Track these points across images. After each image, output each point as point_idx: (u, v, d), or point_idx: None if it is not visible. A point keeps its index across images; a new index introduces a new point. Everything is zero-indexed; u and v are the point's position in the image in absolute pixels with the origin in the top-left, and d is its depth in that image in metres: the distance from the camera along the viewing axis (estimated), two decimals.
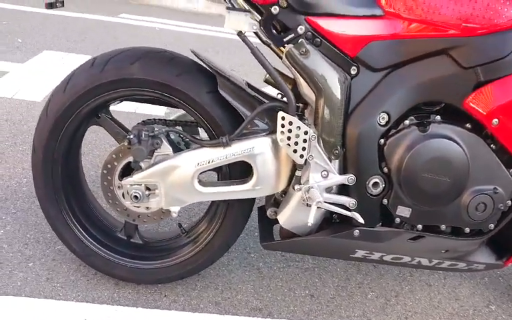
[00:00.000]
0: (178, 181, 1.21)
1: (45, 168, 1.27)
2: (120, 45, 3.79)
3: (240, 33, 1.11)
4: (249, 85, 1.28)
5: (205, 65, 1.23)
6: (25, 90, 2.62)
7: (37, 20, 4.17)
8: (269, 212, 1.34)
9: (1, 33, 3.63)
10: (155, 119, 1.32)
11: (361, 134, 1.16)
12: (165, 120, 1.33)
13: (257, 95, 1.23)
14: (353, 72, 1.15)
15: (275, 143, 1.20)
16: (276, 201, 1.32)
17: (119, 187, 1.29)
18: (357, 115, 1.16)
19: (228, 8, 1.09)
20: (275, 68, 1.17)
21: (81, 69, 1.22)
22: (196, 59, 1.28)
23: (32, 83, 2.73)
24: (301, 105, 1.26)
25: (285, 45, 1.12)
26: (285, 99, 1.27)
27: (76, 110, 1.22)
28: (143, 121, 1.32)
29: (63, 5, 1.25)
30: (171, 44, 4.08)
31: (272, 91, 1.32)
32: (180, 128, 1.34)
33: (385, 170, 1.18)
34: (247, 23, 1.09)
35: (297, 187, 1.20)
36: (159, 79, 1.19)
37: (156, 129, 1.24)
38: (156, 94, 1.22)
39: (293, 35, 1.10)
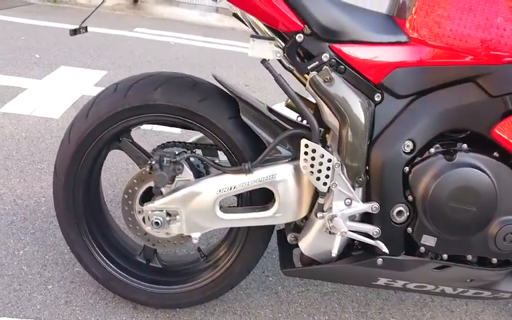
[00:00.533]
0: (199, 207, 1.21)
1: (66, 192, 1.27)
2: (136, 59, 3.82)
3: (263, 61, 1.10)
4: (270, 110, 1.28)
5: (226, 90, 1.22)
6: (42, 107, 2.65)
7: (53, 35, 4.23)
8: (289, 237, 1.32)
9: (19, 48, 3.69)
10: (174, 142, 1.32)
11: (386, 161, 1.14)
12: (185, 143, 1.33)
13: (278, 120, 1.22)
14: (377, 99, 1.14)
15: (297, 170, 1.18)
16: (296, 226, 1.30)
17: (139, 212, 1.28)
18: (381, 142, 1.15)
19: (252, 36, 1.08)
20: (297, 93, 1.16)
21: (104, 95, 1.23)
22: (217, 84, 1.27)
23: (50, 100, 2.75)
24: (322, 129, 1.25)
25: (309, 72, 1.11)
26: (305, 122, 1.26)
27: (98, 135, 1.22)
28: (163, 144, 1.32)
29: (86, 31, 1.26)
30: (186, 58, 4.11)
31: (293, 114, 1.31)
32: (200, 152, 1.34)
33: (410, 198, 1.16)
34: (271, 50, 1.08)
35: (319, 214, 1.18)
36: (182, 104, 1.18)
37: (177, 152, 1.24)
38: (178, 119, 1.22)
39: (317, 63, 1.10)
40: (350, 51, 1.10)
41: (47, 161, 2.12)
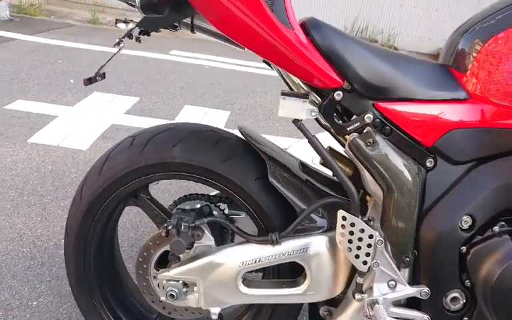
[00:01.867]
0: (219, 280, 1.07)
1: (77, 253, 1.16)
2: (169, 85, 3.77)
3: (296, 121, 0.96)
4: (303, 165, 1.13)
5: (254, 147, 1.08)
6: (71, 137, 2.61)
7: (90, 58, 4.26)
8: (322, 311, 1.16)
9: (55, 73, 3.71)
10: (197, 194, 1.20)
11: (439, 239, 0.96)
12: (208, 196, 1.20)
13: (312, 181, 1.08)
14: (429, 164, 0.97)
15: (332, 242, 1.03)
16: (331, 299, 1.14)
17: (154, 277, 1.16)
18: (434, 216, 0.97)
19: (283, 93, 0.94)
20: (334, 153, 1.01)
21: (119, 150, 1.12)
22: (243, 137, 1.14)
23: (79, 129, 2.71)
24: (361, 191, 1.09)
25: (349, 133, 0.96)
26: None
27: (112, 193, 1.11)
28: (184, 196, 1.20)
29: (103, 77, 1.16)
30: (219, 83, 4.02)
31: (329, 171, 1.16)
32: (226, 207, 1.21)
33: (468, 283, 0.98)
34: (305, 109, 0.94)
35: (357, 296, 1.02)
36: (203, 164, 1.06)
37: (196, 213, 1.12)
38: (198, 179, 1.09)
39: (358, 124, 0.94)
40: (397, 109, 0.94)
41: (71, 197, 2.04)
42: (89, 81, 1.11)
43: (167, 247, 1.13)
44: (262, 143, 1.11)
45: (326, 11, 6.27)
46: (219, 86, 3.95)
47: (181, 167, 1.07)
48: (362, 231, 0.96)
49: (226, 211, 1.23)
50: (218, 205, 1.21)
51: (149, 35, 1.07)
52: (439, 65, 1.02)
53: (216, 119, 3.17)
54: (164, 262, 1.16)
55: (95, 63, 4.11)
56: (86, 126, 2.77)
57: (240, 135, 1.14)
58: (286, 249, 1.03)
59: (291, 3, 0.89)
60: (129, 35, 1.03)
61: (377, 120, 0.94)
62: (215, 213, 1.20)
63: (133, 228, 1.91)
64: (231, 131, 1.17)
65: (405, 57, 1.00)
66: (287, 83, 1.06)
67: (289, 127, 3.12)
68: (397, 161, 0.95)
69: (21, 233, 1.79)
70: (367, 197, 1.09)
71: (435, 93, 0.95)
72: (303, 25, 0.92)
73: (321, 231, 1.05)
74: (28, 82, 3.44)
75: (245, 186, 1.06)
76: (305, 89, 0.98)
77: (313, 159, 1.14)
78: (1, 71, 3.60)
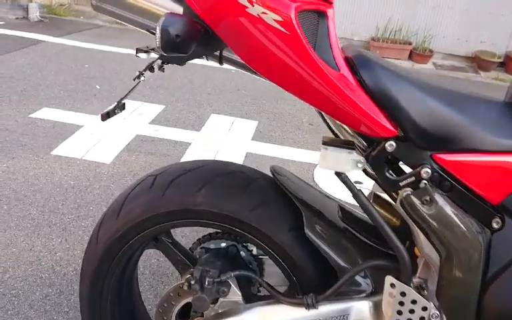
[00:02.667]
0: None
1: (92, 302, 1.06)
2: (195, 91, 3.67)
3: (339, 173, 0.83)
4: (343, 210, 1.00)
5: (288, 193, 0.96)
6: (95, 149, 2.54)
7: (117, 62, 4.21)
8: None
9: (82, 78, 3.67)
10: (223, 232, 1.08)
11: (508, 312, 0.82)
12: (235, 235, 1.08)
13: (354, 232, 0.95)
14: (496, 225, 0.82)
15: (377, 310, 0.89)
16: None
17: None
18: (501, 285, 0.83)
19: (325, 143, 0.81)
20: (378, 200, 0.88)
21: (138, 191, 1.01)
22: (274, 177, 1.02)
23: (103, 140, 2.65)
24: (410, 248, 0.95)
25: (401, 188, 0.82)
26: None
27: (130, 239, 1.01)
28: (209, 235, 1.09)
29: (123, 109, 1.06)
30: (247, 89, 3.90)
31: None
32: (255, 249, 1.10)
33: None
34: (350, 161, 0.81)
35: None
36: (230, 212, 0.94)
37: (223, 244, 1.03)
38: (225, 228, 0.97)
39: (413, 179, 0.80)
40: (460, 161, 0.80)
41: (92, 216, 1.97)
42: (107, 116, 1.00)
43: (189, 299, 1.03)
44: (297, 186, 0.99)
45: (357, 11, 6.05)
46: (246, 92, 3.83)
47: (205, 215, 0.96)
48: (414, 302, 0.83)
49: (254, 252, 1.12)
50: (246, 244, 1.09)
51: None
52: (510, 104, 0.87)
53: (243, 129, 3.05)
54: (186, 313, 1.05)
55: (121, 67, 4.06)
56: (110, 137, 2.70)
57: (272, 176, 1.02)
58: (323, 314, 0.91)
59: (337, 40, 0.76)
60: (151, 67, 0.92)
61: (436, 174, 0.80)
62: (242, 253, 1.09)
63: (152, 273, 1.82)
64: (264, 172, 1.05)
65: (467, 96, 0.85)
66: (327, 123, 0.93)
67: (319, 140, 2.98)
68: (458, 221, 0.81)
69: (40, 256, 1.72)
70: (416, 249, 0.95)
71: (505, 142, 0.80)
72: (349, 61, 0.79)
73: (363, 294, 0.92)
74: (54, 88, 3.40)
75: (277, 238, 0.94)
76: (350, 133, 0.85)
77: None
78: (29, 76, 3.59)
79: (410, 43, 5.90)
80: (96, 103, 3.21)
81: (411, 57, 5.94)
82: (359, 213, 1.02)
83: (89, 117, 2.96)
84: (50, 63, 3.96)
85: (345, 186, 0.84)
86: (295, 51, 0.70)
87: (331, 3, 0.75)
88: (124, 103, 1.07)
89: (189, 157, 2.59)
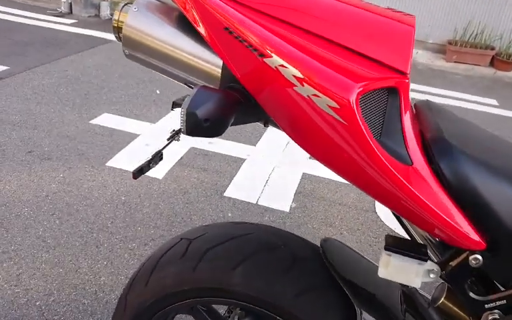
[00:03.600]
0: None
1: None
2: None
3: (404, 286, 0.66)
4: (407, 298, 0.83)
5: (336, 276, 0.80)
6: None
7: None
8: None
9: (143, 82, 3.69)
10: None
11: None
12: None
13: None
14: None
15: None
16: None
17: None
18: None
19: (388, 247, 0.64)
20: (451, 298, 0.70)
21: (170, 257, 0.90)
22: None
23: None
24: None
25: (486, 311, 0.63)
26: None
27: (160, 308, 0.91)
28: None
29: (159, 161, 0.95)
30: None
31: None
32: None
33: None
34: (421, 272, 0.63)
35: None
36: (268, 297, 0.80)
37: None
38: (263, 313, 0.84)
39: (504, 302, 0.61)
40: None
41: (139, 238, 1.92)
42: (140, 172, 0.90)
43: None
44: (349, 263, 0.83)
45: (435, 12, 5.61)
46: None
47: (241, 296, 0.83)
48: None
49: None
50: None
51: None
52: None
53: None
54: None
55: None
56: (165, 149, 2.66)
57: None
58: None
59: (412, 124, 0.59)
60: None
61: None
62: None
63: None
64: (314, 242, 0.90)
65: None
66: (399, 219, 0.76)
67: None
68: None
69: (85, 280, 1.69)
70: None
71: None
72: (427, 147, 0.61)
73: None
74: (116, 91, 3.44)
75: None
76: (423, 236, 0.68)
77: None
78: (94, 78, 3.67)
79: (492, 48, 5.37)
80: (154, 109, 3.20)
81: (492, 63, 5.41)
82: (424, 301, 0.84)
83: (146, 125, 2.94)
84: (115, 65, 4.03)
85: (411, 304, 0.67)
86: (353, 143, 0.54)
87: (406, 74, 0.58)
88: (162, 154, 0.97)
89: (241, 175, 2.48)
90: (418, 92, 4.38)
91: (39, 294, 1.62)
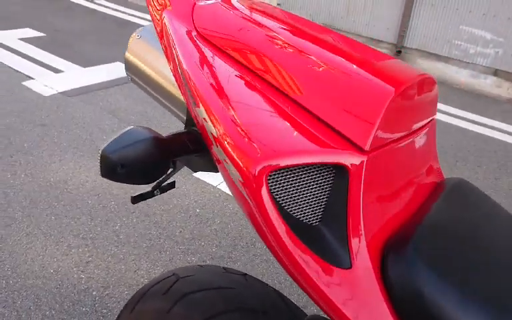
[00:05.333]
0: None
1: None
2: None
3: None
4: None
5: None
6: None
7: None
8: None
9: None
10: None
11: None
12: None
13: None
14: None
15: None
16: None
17: None
18: None
19: None
20: None
21: (156, 290, 0.87)
22: None
23: None
24: None
25: None
26: None
27: None
28: None
29: (165, 190, 0.93)
30: None
31: None
32: None
33: None
34: None
35: None
36: None
37: None
38: None
39: None
40: None
41: (200, 253, 1.94)
42: (140, 198, 0.89)
43: None
44: None
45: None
46: None
47: None
48: None
49: None
50: None
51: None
52: None
53: None
54: None
55: None
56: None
57: None
58: None
59: (377, 213, 0.46)
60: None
61: None
62: None
63: None
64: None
65: None
66: None
67: None
68: None
69: (140, 282, 1.76)
70: None
71: None
72: (388, 251, 0.47)
73: None
74: None
75: None
76: None
77: None
78: None
79: None
80: None
81: None
82: None
83: None
84: None
85: None
86: (263, 228, 0.44)
87: (364, 150, 0.46)
88: (174, 182, 0.95)
89: None
90: None
91: (97, 284, 1.73)
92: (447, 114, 4.08)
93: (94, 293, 1.70)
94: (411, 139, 0.56)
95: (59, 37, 4.63)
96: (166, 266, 1.86)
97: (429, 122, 0.64)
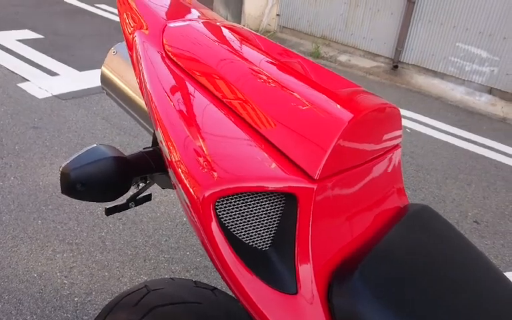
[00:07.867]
0: None
1: None
2: None
3: None
4: None
5: None
6: None
7: None
8: None
9: None
10: None
11: None
12: None
13: None
14: None
15: None
16: None
17: None
18: None
19: None
20: None
21: (127, 301, 0.88)
22: None
23: None
24: None
25: None
26: None
27: None
28: None
29: (141, 203, 0.94)
30: (415, 156, 3.41)
31: None
32: None
33: None
34: None
35: None
36: None
37: None
38: None
39: None
40: None
41: (184, 263, 1.94)
42: (115, 210, 0.90)
43: None
44: None
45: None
46: (413, 161, 3.35)
47: None
48: None
49: None
50: None
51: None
52: None
53: None
54: None
55: None
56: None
57: None
58: None
59: (326, 240, 0.47)
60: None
61: None
62: None
63: None
64: None
65: None
66: None
67: (483, 245, 2.35)
68: None
69: (122, 289, 1.77)
70: None
71: None
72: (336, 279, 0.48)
73: None
74: None
75: None
76: None
77: None
78: None
79: None
80: None
81: None
82: None
83: None
84: None
85: None
86: (209, 251, 0.45)
87: (314, 179, 0.47)
88: (150, 195, 0.97)
89: None
90: None
91: (80, 290, 1.74)
92: (440, 130, 4.10)
93: (76, 299, 1.71)
94: (370, 167, 0.58)
95: (57, 39, 4.65)
96: (150, 274, 1.86)
97: (392, 149, 0.65)
